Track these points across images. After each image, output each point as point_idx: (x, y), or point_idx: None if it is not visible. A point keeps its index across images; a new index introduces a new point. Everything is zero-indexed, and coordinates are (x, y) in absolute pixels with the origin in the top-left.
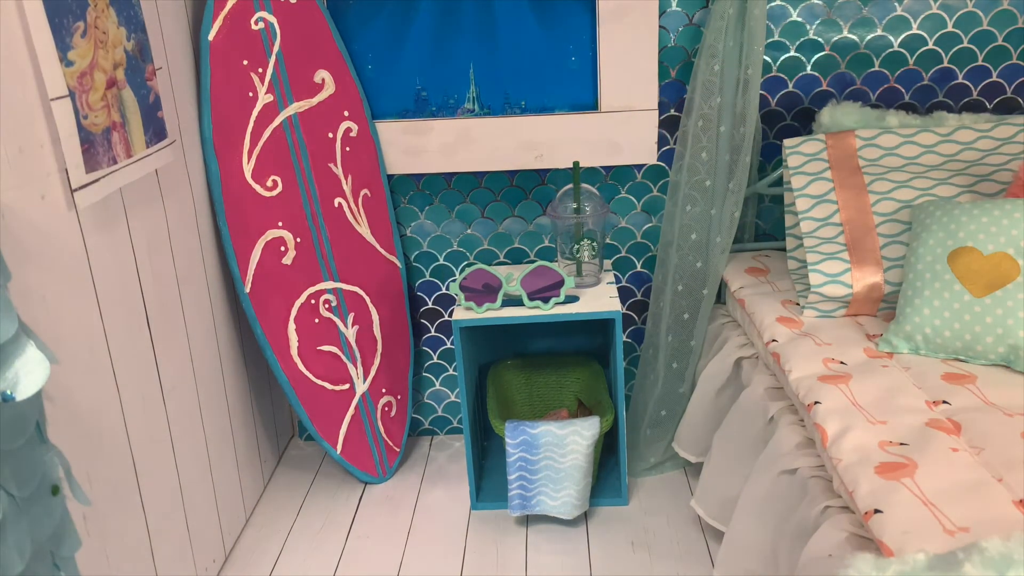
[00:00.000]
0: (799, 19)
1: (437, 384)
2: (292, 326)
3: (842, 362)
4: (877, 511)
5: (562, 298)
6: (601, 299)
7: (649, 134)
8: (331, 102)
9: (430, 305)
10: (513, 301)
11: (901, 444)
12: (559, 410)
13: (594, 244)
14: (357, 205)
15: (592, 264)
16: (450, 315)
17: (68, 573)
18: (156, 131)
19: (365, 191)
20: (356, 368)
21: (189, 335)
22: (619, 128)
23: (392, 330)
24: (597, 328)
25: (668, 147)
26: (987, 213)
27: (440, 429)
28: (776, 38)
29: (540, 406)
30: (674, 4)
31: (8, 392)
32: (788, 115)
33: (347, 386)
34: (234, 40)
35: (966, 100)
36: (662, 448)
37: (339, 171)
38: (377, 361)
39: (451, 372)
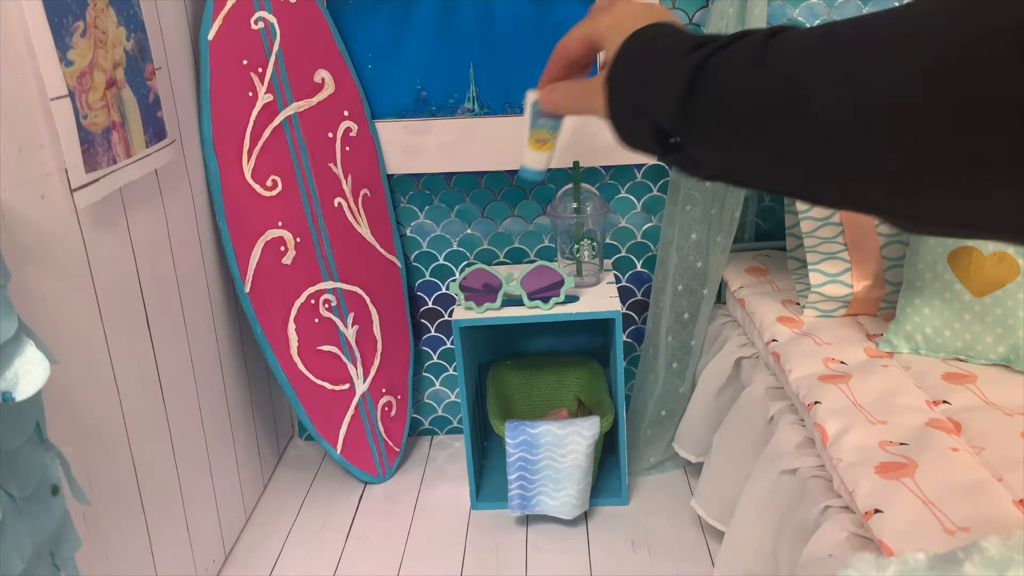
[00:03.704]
0: (799, 19)
1: (437, 384)
2: (292, 326)
3: (842, 362)
4: (877, 511)
5: (562, 298)
6: (601, 299)
7: None
8: (331, 102)
9: (430, 305)
10: (513, 301)
11: (901, 444)
12: (559, 410)
13: (594, 244)
14: (357, 205)
15: (592, 264)
16: (450, 315)
17: (68, 573)
18: (156, 131)
19: (365, 191)
20: (356, 368)
21: (189, 335)
22: None
23: (392, 330)
24: (597, 328)
25: None
26: None
27: (440, 429)
28: None
29: (540, 406)
30: (674, 4)
31: (8, 392)
32: None
33: (347, 386)
34: (234, 40)
35: None
36: (662, 448)
37: (339, 171)
38: (377, 361)
39: (451, 372)
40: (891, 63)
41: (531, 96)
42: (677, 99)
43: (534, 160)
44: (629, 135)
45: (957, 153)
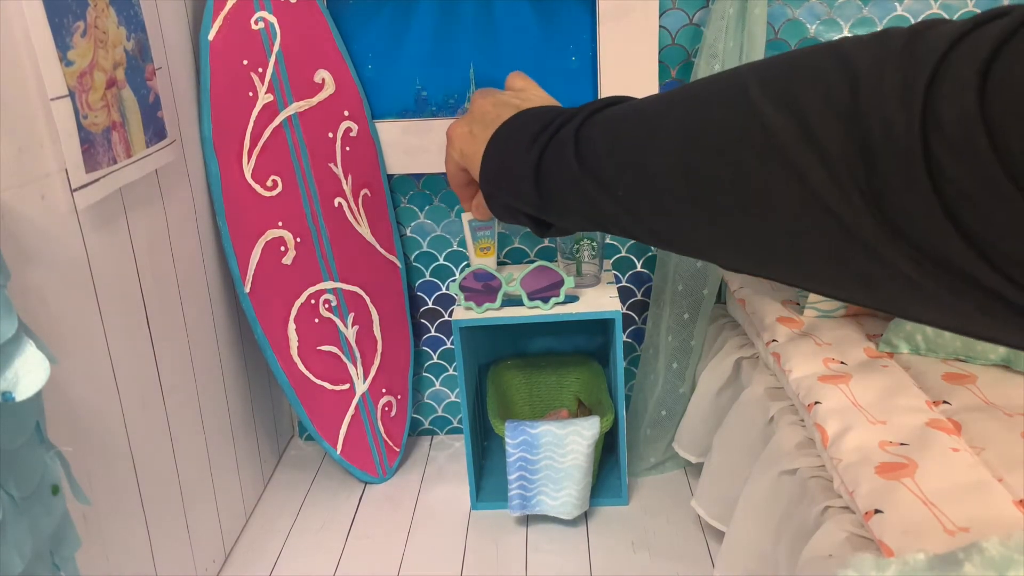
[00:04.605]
0: (799, 19)
1: (437, 384)
2: (292, 326)
3: (842, 362)
4: (877, 511)
5: (562, 298)
6: (601, 299)
7: None
8: (331, 102)
9: (430, 305)
10: (513, 301)
11: (901, 444)
12: (559, 410)
13: (594, 244)
14: (357, 205)
15: (592, 264)
16: (450, 315)
17: (68, 573)
18: (156, 131)
19: (365, 191)
20: (356, 368)
21: (189, 335)
22: None
23: (392, 330)
24: (597, 328)
25: None
26: None
27: (440, 429)
28: (776, 38)
29: (540, 406)
30: (674, 4)
31: (8, 392)
32: None
33: (347, 386)
34: (234, 40)
35: None
36: (662, 448)
37: (339, 171)
38: (377, 361)
39: (451, 372)
40: (654, 150)
41: (466, 217)
42: (532, 193)
43: (484, 265)
44: (514, 223)
45: (729, 221)
